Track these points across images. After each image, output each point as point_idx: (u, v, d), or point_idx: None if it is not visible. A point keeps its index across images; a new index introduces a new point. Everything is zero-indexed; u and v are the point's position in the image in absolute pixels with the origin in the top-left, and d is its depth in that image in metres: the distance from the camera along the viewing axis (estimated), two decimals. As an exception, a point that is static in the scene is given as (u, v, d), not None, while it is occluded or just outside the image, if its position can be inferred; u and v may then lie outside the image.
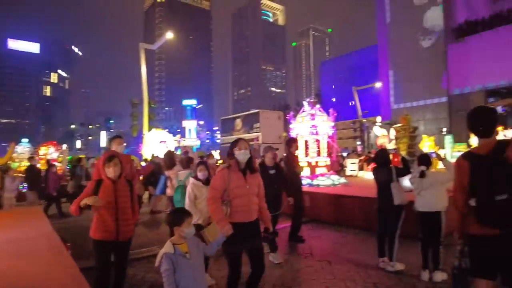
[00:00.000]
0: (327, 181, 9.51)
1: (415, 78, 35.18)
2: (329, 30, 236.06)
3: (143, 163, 14.15)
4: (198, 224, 3.97)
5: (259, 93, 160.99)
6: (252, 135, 26.50)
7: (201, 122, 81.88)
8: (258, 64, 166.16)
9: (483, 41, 31.33)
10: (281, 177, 5.50)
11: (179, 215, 2.53)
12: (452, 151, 13.54)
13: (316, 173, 10.02)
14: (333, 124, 10.28)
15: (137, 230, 6.15)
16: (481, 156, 2.38)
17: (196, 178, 4.36)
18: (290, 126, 10.93)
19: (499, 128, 12.84)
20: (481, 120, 2.46)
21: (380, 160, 4.88)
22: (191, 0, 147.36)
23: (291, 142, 6.60)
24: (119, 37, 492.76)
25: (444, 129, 32.06)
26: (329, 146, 11.31)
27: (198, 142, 45.85)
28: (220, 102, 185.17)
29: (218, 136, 59.06)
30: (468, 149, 2.66)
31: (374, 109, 45.48)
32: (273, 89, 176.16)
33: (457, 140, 15.27)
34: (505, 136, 12.05)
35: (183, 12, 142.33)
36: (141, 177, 9.30)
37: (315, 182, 9.44)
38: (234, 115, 32.97)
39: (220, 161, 14.77)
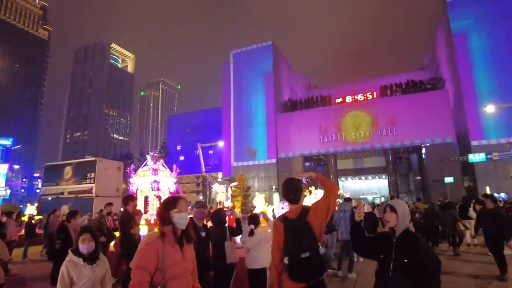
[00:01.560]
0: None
1: (251, 139, 40.21)
2: (179, 86, 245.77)
3: None
4: None
5: (98, 138, 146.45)
6: (84, 186, 23.29)
7: (16, 167, 66.63)
8: (100, 107, 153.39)
9: (301, 117, 39.36)
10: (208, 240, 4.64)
11: None
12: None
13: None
14: (175, 180, 10.27)
15: None
16: (291, 219, 2.86)
17: (75, 251, 3.11)
18: (130, 180, 10.26)
19: (311, 188, 15.72)
20: (291, 189, 2.99)
21: (216, 219, 5.12)
22: (24, 24, 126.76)
23: (128, 199, 6.11)
24: None
25: (274, 187, 37.05)
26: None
27: (7, 192, 36.76)
28: (47, 145, 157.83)
29: (39, 185, 49.05)
30: (284, 213, 3.14)
31: (217, 165, 48.42)
32: (115, 135, 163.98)
33: (282, 197, 17.63)
34: (316, 195, 14.72)
35: (11, 35, 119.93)
36: None
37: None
38: (64, 162, 28.46)
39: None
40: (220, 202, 10.08)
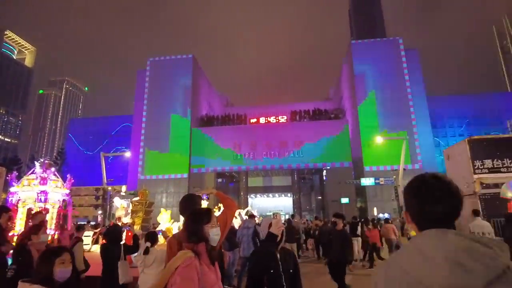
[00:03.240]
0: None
1: (163, 153, 38.60)
2: (86, 88, 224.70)
3: None
4: None
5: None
6: None
7: None
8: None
9: (217, 133, 39.62)
10: None
11: None
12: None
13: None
14: (68, 191, 9.19)
15: None
16: None
17: (45, 280, 2.24)
18: (11, 189, 8.84)
19: (221, 205, 15.76)
20: (189, 206, 2.94)
21: (110, 236, 4.73)
22: None
23: (0, 211, 5.23)
24: None
25: (183, 203, 36.01)
26: (62, 217, 9.87)
27: None
28: None
29: None
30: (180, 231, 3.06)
31: (122, 178, 44.95)
32: (0, 137, 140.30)
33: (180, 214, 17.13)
34: (219, 209, 14.77)
35: None
36: None
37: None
38: None
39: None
40: (118, 218, 9.29)
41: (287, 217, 43.73)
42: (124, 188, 23.51)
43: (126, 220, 9.33)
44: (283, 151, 37.00)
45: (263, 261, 2.70)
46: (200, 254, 2.05)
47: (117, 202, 11.59)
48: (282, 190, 48.86)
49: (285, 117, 41.63)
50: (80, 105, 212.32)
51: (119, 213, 9.52)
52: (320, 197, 43.56)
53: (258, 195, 51.11)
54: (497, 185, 8.89)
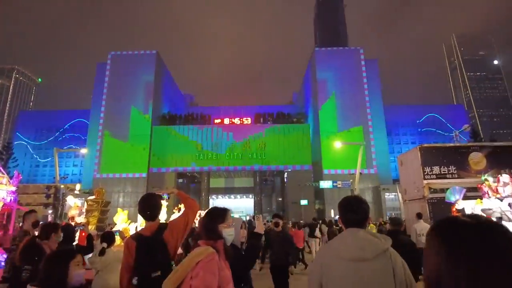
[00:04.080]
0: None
1: (122, 150, 37.08)
2: (39, 79, 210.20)
3: None
4: None
5: None
6: None
7: None
8: None
9: (179, 132, 38.83)
10: None
11: None
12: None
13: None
14: (14, 189, 8.54)
15: None
16: (145, 237, 2.74)
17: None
18: None
19: (181, 206, 15.45)
20: (148, 206, 2.87)
21: (63, 236, 4.47)
22: None
23: None
24: None
25: (141, 203, 34.78)
26: (6, 217, 9.13)
27: None
28: None
29: None
30: (138, 231, 2.99)
31: (77, 175, 42.61)
32: None
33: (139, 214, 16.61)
34: (179, 210, 14.48)
35: None
36: None
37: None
38: None
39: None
40: (72, 217, 8.82)
41: (248, 218, 44.04)
42: (78, 186, 22.22)
43: (80, 219, 8.85)
44: (246, 153, 37.15)
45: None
46: (218, 251, 2.12)
47: (71, 200, 10.94)
48: (244, 191, 48.95)
49: (249, 119, 41.86)
50: (32, 97, 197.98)
51: (72, 212, 9.01)
52: (280, 199, 44.25)
53: (219, 196, 50.77)
54: (443, 190, 9.59)
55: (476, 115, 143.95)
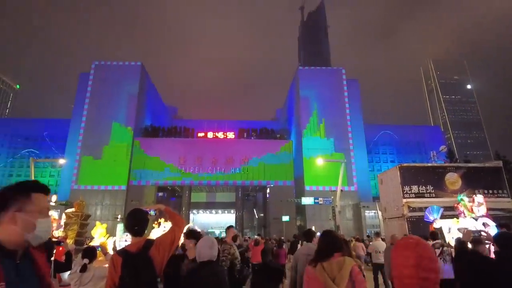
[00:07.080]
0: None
1: (101, 162, 36.16)
2: (17, 86, 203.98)
3: None
4: None
5: None
6: None
7: None
8: None
9: (162, 144, 38.30)
10: None
11: None
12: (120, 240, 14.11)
13: None
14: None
15: None
16: (131, 253, 2.70)
17: None
18: None
19: (161, 220, 15.13)
20: (136, 221, 2.84)
21: (40, 251, 4.32)
22: None
23: None
24: None
25: (119, 216, 33.70)
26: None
27: None
28: None
29: None
30: (124, 247, 2.95)
31: (52, 187, 41.02)
32: None
33: (126, 229, 16.14)
34: (165, 227, 14.17)
35: None
36: None
37: None
38: None
39: None
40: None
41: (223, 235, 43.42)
42: (54, 197, 21.38)
43: (58, 233, 8.47)
44: (228, 167, 37.02)
45: None
46: None
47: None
48: (225, 206, 48.39)
49: (233, 134, 41.91)
50: (9, 103, 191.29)
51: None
52: (262, 215, 43.98)
53: (200, 211, 50.00)
54: (421, 209, 9.87)
55: (452, 136, 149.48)
